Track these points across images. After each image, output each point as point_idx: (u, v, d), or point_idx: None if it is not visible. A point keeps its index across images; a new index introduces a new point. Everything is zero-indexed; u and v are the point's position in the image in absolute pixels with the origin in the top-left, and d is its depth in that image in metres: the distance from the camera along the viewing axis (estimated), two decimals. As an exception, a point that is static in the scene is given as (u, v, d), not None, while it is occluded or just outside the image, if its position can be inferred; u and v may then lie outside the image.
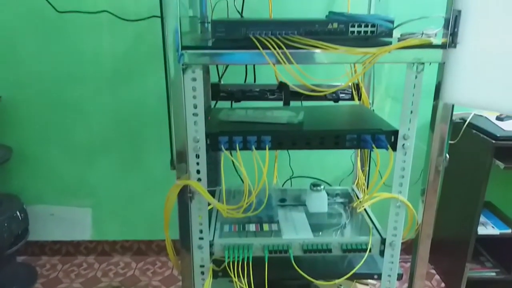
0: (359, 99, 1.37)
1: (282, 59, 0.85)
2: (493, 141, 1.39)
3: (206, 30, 1.34)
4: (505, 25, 0.77)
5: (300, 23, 0.96)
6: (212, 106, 1.46)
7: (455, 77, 0.85)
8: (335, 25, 0.97)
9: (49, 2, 1.43)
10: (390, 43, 0.95)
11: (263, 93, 1.42)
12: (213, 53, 0.87)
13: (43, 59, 1.54)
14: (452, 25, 0.83)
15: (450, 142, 0.95)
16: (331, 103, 1.39)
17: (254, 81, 1.49)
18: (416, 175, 1.02)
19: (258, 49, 0.85)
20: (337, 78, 1.35)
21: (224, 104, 1.46)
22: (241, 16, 1.43)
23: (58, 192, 1.73)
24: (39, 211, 1.76)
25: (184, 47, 0.85)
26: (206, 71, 1.34)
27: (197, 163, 0.92)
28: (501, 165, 1.41)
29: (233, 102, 1.47)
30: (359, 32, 0.97)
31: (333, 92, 1.38)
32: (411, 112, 0.91)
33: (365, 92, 1.34)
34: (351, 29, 0.97)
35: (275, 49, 0.84)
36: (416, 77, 0.88)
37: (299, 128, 0.97)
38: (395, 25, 0.97)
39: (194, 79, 0.87)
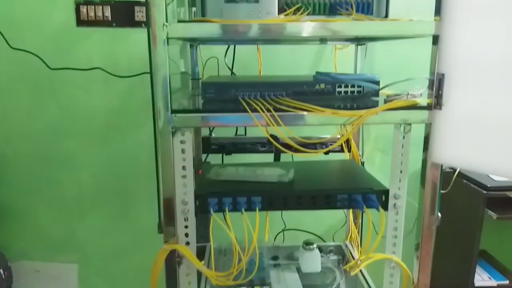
0: (349, 150, 1.38)
1: (271, 121, 0.85)
2: (484, 192, 1.39)
3: (197, 86, 1.36)
4: (488, 88, 0.80)
5: (288, 84, 0.98)
6: (203, 159, 1.45)
7: (442, 137, 0.86)
8: (322, 85, 1.00)
9: (41, 59, 1.45)
10: (377, 103, 0.97)
11: (254, 146, 1.43)
12: (202, 117, 0.87)
13: (34, 114, 1.54)
14: (437, 88, 0.85)
15: (441, 191, 0.95)
16: (321, 155, 1.39)
17: (245, 133, 1.50)
18: (410, 225, 1.01)
19: (248, 112, 0.85)
20: (329, 134, 1.37)
21: (215, 157, 1.46)
22: (232, 72, 1.46)
23: (44, 248, 1.68)
24: (24, 268, 1.69)
25: (174, 111, 0.86)
26: (197, 125, 1.35)
27: (186, 226, 0.90)
28: (494, 215, 1.40)
29: (224, 154, 1.47)
30: (346, 92, 1.00)
31: (323, 144, 1.39)
32: (401, 171, 0.91)
33: (354, 145, 1.35)
34: (338, 89, 1.00)
35: (264, 112, 0.85)
36: (403, 137, 0.89)
37: (290, 187, 0.96)
38: (381, 85, 1.00)
39: (183, 142, 0.87)
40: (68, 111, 1.55)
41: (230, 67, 1.46)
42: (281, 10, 0.98)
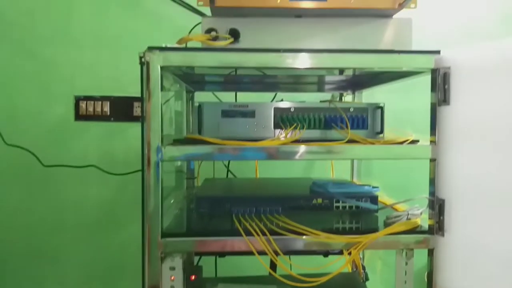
0: (349, 253, 1.31)
1: (266, 246, 0.81)
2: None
3: (192, 186, 1.34)
4: (491, 217, 0.77)
5: (284, 199, 0.96)
6: (196, 262, 1.38)
7: (446, 265, 0.82)
8: (320, 200, 0.98)
9: (35, 156, 1.44)
10: (376, 220, 0.94)
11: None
12: (194, 241, 0.83)
13: (23, 210, 1.50)
14: (437, 213, 0.82)
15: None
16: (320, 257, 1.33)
17: (240, 233, 1.44)
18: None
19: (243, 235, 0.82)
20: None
21: (208, 260, 1.39)
22: (228, 169, 1.44)
23: None
24: None
25: (165, 234, 0.82)
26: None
27: None
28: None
29: (217, 256, 1.41)
30: (344, 207, 0.98)
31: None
32: (405, 301, 0.85)
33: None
34: (335, 204, 0.98)
35: (259, 235, 0.81)
36: (406, 263, 0.85)
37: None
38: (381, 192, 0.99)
39: (173, 268, 0.82)
40: (59, 205, 1.50)
41: (227, 165, 1.45)
42: (276, 125, 0.99)
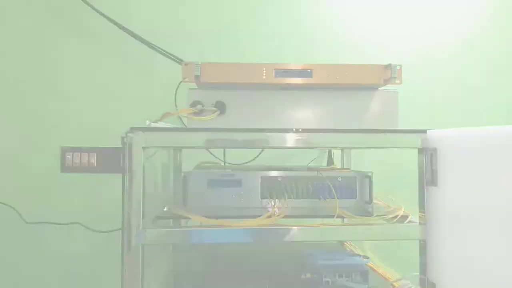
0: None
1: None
2: None
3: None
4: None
5: (271, 274, 0.93)
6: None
7: None
8: (309, 275, 0.95)
9: (17, 212, 1.39)
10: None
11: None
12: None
13: (4, 267, 1.44)
14: (429, 296, 0.80)
15: None
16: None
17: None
18: None
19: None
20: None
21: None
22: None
23: None
24: None
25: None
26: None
27: None
28: None
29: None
30: (333, 282, 0.95)
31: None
32: None
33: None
34: (325, 279, 0.95)
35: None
36: None
37: None
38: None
39: None
40: (40, 261, 1.45)
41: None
42: (263, 195, 0.96)
